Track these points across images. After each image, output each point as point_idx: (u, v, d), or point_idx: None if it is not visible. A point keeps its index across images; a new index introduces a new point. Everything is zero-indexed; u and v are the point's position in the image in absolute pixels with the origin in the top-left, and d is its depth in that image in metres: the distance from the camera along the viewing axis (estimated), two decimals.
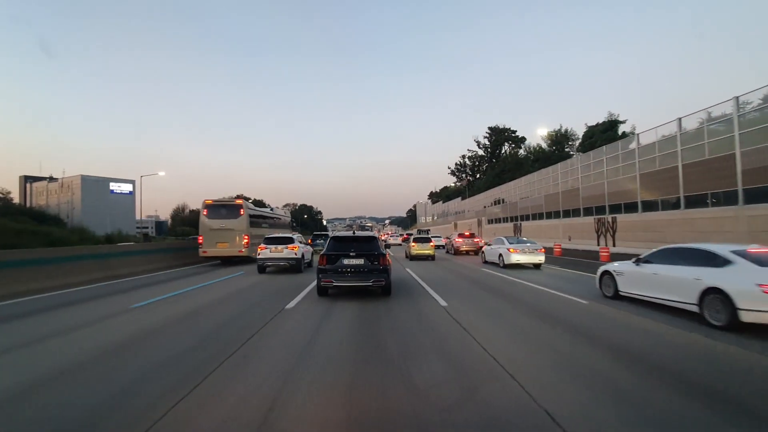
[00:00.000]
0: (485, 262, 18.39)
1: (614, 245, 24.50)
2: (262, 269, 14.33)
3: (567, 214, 31.16)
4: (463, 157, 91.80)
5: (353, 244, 8.64)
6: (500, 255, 16.39)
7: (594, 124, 41.78)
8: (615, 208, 25.08)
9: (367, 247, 8.58)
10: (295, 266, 14.47)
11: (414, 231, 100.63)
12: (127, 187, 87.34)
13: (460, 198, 70.02)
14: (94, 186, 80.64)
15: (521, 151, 64.00)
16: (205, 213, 17.70)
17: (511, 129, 68.03)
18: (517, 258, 15.70)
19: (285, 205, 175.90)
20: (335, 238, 9.02)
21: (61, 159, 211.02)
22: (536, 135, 56.84)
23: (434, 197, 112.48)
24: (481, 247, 21.60)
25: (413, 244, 21.21)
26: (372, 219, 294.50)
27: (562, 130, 52.21)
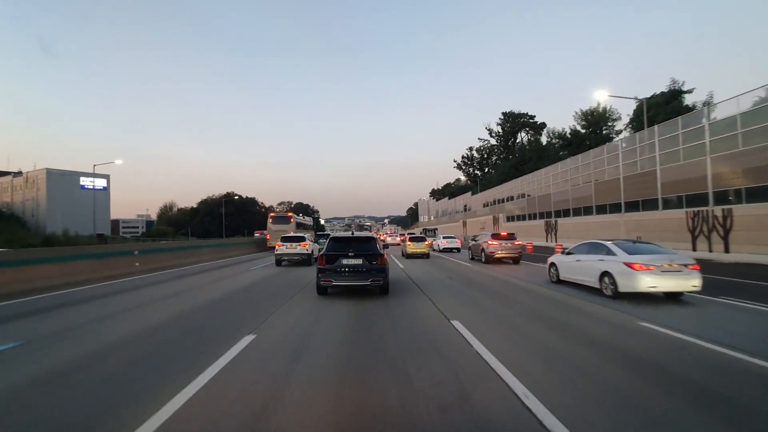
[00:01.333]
0: (557, 281, 10.60)
1: (727, 249, 16.54)
2: (278, 263, 16.88)
3: (634, 206, 23.16)
4: (471, 149, 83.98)
5: (352, 245, 8.76)
6: (606, 275, 8.48)
7: (650, 95, 33.59)
8: (722, 197, 17.17)
9: (366, 247, 8.69)
10: (306, 260, 16.80)
11: (416, 230, 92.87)
12: (100, 182, 79.10)
13: (470, 193, 62.02)
14: (61, 180, 72.36)
15: (542, 139, 55.84)
16: (270, 221, 31.02)
17: (529, 114, 59.92)
18: (651, 282, 7.77)
19: (280, 204, 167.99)
20: (334, 239, 9.12)
21: (61, 159, 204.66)
22: (593, 99, 47.15)
23: (437, 194, 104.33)
24: (520, 253, 17.37)
25: (409, 243, 21.43)
26: (371, 218, 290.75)
27: (600, 108, 43.76)
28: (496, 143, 66.25)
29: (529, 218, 38.73)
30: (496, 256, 17.28)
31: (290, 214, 32.25)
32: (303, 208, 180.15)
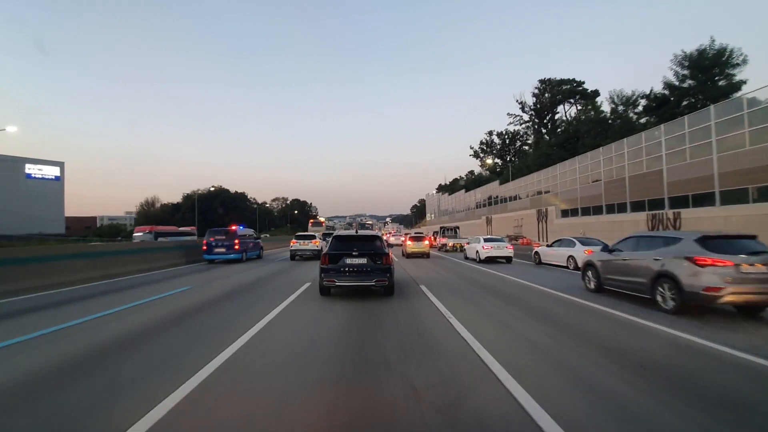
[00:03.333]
0: None
1: None
2: (292, 257, 19.00)
3: None
4: (491, 133, 71.35)
5: (356, 244, 8.53)
6: None
7: None
8: None
9: (370, 246, 8.47)
10: (316, 255, 18.30)
11: (423, 229, 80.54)
12: (51, 171, 66.82)
13: (496, 183, 49.45)
14: (1, 167, 59.93)
15: (598, 107, 42.89)
16: (310, 224, 48.19)
17: (575, 80, 47.13)
18: None
19: (273, 200, 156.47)
20: (338, 237, 8.97)
21: (60, 158, 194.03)
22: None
23: (446, 190, 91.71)
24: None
25: (409, 243, 20.59)
26: (372, 217, 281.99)
27: (715, 46, 30.17)
28: (528, 120, 53.48)
29: (612, 210, 26.14)
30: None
31: (321, 219, 46.07)
32: (300, 205, 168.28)
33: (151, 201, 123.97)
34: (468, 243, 19.96)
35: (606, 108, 39.74)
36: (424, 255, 19.90)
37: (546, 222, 34.51)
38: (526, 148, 65.85)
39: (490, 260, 16.85)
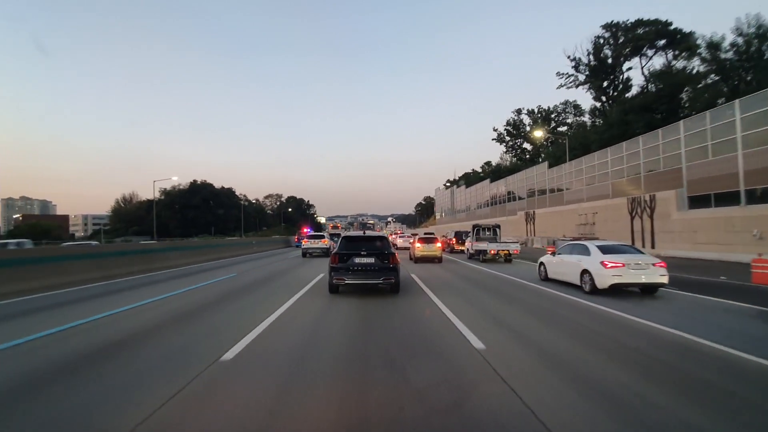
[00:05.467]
0: None
1: None
2: (304, 255, 22.17)
3: None
4: (519, 111, 58.83)
5: (364, 244, 8.79)
6: None
7: None
8: None
9: (378, 246, 8.74)
10: (325, 253, 21.13)
11: (432, 228, 68.45)
12: None
13: (545, 165, 36.75)
14: None
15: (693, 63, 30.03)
16: (330, 228, 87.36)
17: (661, 21, 34.06)
18: None
19: (266, 197, 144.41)
20: (347, 238, 9.22)
21: (58, 157, 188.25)
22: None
23: (464, 181, 78.96)
24: None
25: (418, 245, 18.73)
26: (374, 216, 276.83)
27: None
28: (585, 82, 40.54)
29: None
30: None
31: (339, 225, 57.48)
32: (296, 203, 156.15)
33: (129, 197, 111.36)
34: (558, 254, 11.10)
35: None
36: (435, 259, 18.67)
37: (653, 217, 21.90)
38: (568, 124, 53.18)
39: (618, 290, 8.84)
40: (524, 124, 58.29)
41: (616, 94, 37.70)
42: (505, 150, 61.20)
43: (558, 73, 42.89)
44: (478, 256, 19.03)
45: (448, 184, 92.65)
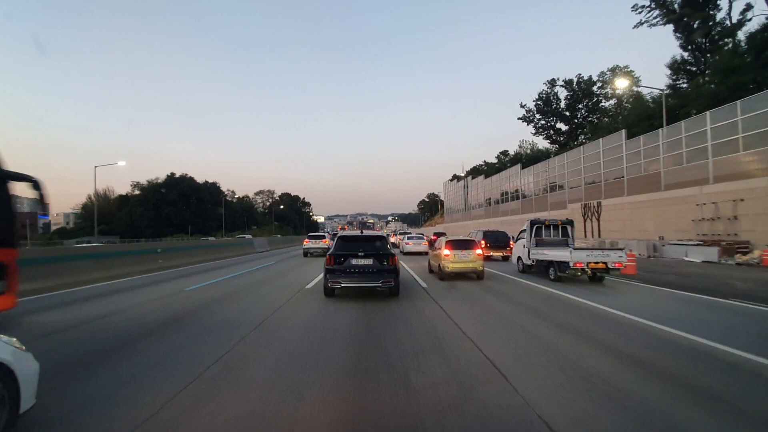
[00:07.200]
0: None
1: None
2: (305, 254, 22.25)
3: None
4: (552, 83, 48.47)
5: (362, 244, 8.23)
6: None
7: None
8: None
9: (376, 246, 8.16)
10: (326, 253, 20.57)
11: (440, 228, 61.95)
12: None
13: (623, 135, 25.83)
14: None
15: None
16: (339, 229, 48.61)
17: None
18: None
19: (257, 193, 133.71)
20: (343, 238, 8.66)
21: (56, 156, 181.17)
22: None
23: (481, 173, 68.31)
24: None
25: (447, 252, 11.49)
26: (374, 216, 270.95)
27: None
28: (669, 18, 29.64)
29: None
30: None
31: (347, 227, 46.67)
32: (291, 201, 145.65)
33: (103, 193, 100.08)
34: None
35: None
36: (473, 273, 12.11)
37: None
38: (616, 96, 42.46)
39: None
40: (559, 99, 47.68)
41: (717, 37, 27.25)
42: (534, 131, 50.50)
43: (634, 6, 32.05)
44: (545, 270, 11.92)
45: (455, 180, 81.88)
